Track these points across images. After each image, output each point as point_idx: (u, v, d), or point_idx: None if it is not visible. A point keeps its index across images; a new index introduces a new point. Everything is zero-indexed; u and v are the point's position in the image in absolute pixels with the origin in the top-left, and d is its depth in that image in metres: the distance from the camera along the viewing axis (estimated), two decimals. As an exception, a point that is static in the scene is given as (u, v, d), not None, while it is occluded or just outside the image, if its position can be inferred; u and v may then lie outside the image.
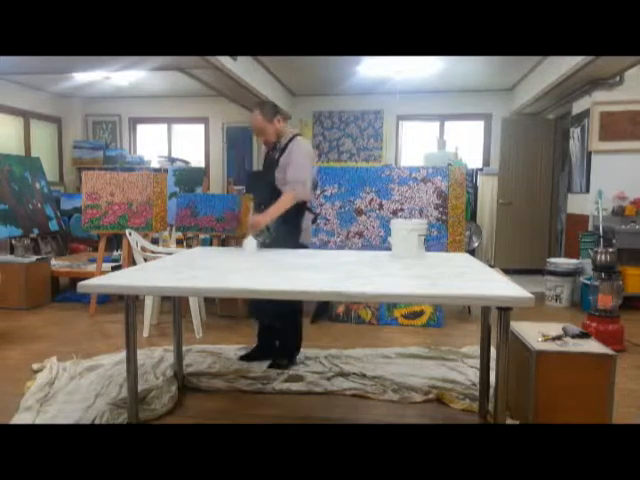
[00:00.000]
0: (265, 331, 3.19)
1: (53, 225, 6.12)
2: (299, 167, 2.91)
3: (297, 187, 2.89)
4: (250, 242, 2.84)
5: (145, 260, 3.52)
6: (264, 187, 2.98)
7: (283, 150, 2.97)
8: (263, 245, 2.87)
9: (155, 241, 4.87)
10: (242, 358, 3.17)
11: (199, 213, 4.45)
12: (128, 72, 5.69)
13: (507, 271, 4.63)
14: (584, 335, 2.39)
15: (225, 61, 4.57)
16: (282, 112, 2.96)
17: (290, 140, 2.99)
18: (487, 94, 6.92)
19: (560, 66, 4.80)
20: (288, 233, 2.92)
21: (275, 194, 2.90)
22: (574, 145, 5.59)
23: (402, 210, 4.28)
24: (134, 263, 3.73)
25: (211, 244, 4.66)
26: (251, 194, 3.16)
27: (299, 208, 2.96)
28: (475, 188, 6.65)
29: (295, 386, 2.80)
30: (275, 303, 2.45)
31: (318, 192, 4.42)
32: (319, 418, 2.48)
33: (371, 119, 7.23)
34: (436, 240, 4.19)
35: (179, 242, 5.39)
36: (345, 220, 4.32)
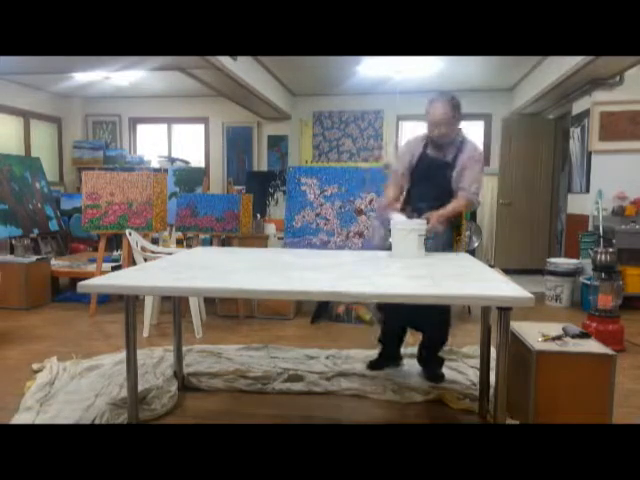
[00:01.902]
0: (389, 337, 3.03)
1: (53, 225, 6.12)
2: (479, 177, 2.74)
3: (475, 197, 2.72)
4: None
5: (145, 260, 3.52)
6: (436, 191, 2.74)
7: (459, 149, 2.74)
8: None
9: (155, 241, 4.87)
10: (371, 367, 2.99)
11: (199, 213, 4.45)
12: (128, 72, 5.69)
13: (507, 271, 4.62)
14: (584, 335, 2.39)
15: (225, 61, 4.57)
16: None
17: (462, 140, 2.78)
18: (487, 94, 6.92)
19: (560, 66, 4.80)
20: (448, 238, 2.78)
21: (448, 198, 2.71)
22: (574, 145, 5.59)
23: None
24: (134, 263, 3.73)
25: (211, 244, 4.65)
26: (412, 190, 2.85)
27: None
28: (475, 188, 6.64)
29: (295, 386, 2.80)
30: (425, 308, 2.31)
31: (319, 192, 4.42)
32: (319, 418, 2.48)
33: (371, 119, 7.22)
34: (436, 240, 4.18)
35: (179, 242, 5.39)
36: (345, 220, 4.32)
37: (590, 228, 5.06)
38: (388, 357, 3.05)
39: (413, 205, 2.80)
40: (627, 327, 3.55)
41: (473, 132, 7.15)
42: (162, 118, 7.73)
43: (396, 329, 3.01)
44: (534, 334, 2.40)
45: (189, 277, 2.09)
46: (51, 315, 4.37)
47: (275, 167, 7.34)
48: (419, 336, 3.05)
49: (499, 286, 1.94)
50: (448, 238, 2.82)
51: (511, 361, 1.99)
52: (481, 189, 2.78)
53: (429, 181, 2.78)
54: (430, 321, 2.78)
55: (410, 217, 2.67)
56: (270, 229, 5.24)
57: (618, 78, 4.86)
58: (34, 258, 4.77)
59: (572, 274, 4.83)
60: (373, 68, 5.70)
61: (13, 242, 5.17)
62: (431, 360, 2.95)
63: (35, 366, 3.06)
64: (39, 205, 6.01)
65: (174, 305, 2.81)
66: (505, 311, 1.87)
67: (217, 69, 4.61)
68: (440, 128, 2.70)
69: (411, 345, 3.53)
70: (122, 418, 2.37)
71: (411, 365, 3.09)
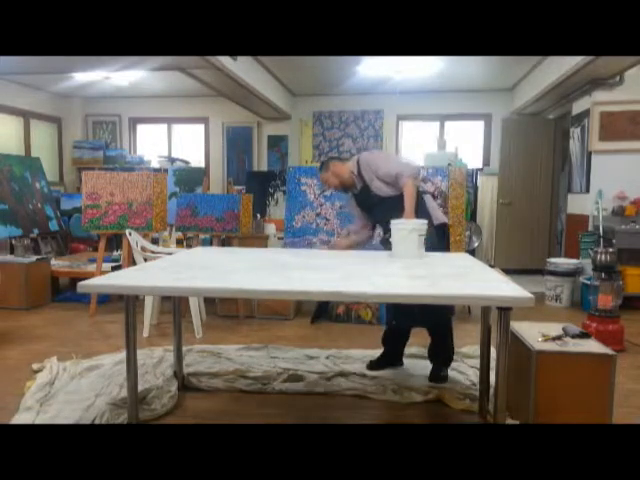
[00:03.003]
0: (394, 337, 3.05)
1: (53, 225, 6.12)
2: (387, 162, 2.95)
3: (405, 172, 2.86)
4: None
5: (145, 260, 3.52)
6: (380, 209, 2.94)
7: (359, 176, 2.97)
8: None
9: (155, 241, 4.87)
10: (371, 367, 3.01)
11: (199, 213, 4.45)
12: (128, 72, 5.69)
13: (507, 271, 4.62)
14: (584, 335, 2.39)
15: (225, 61, 4.57)
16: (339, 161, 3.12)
17: (357, 163, 3.00)
18: (487, 94, 6.92)
19: (560, 66, 4.80)
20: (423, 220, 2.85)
21: (394, 204, 2.84)
22: (574, 145, 5.59)
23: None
24: (134, 263, 3.73)
25: (211, 244, 4.66)
26: (378, 222, 3.09)
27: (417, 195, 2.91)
28: (475, 188, 6.65)
29: (295, 386, 2.80)
30: (426, 308, 2.40)
31: (318, 192, 4.42)
32: (319, 418, 2.48)
33: (371, 119, 7.22)
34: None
35: (179, 242, 5.39)
36: (345, 220, 4.32)
37: (590, 228, 5.06)
38: (390, 358, 3.05)
39: (383, 229, 3.02)
40: (627, 327, 3.55)
41: (473, 132, 7.17)
42: (162, 118, 7.73)
43: (402, 329, 3.01)
44: (534, 334, 2.40)
45: (189, 277, 2.09)
46: (51, 315, 4.37)
47: (275, 167, 7.34)
48: (418, 336, 3.05)
49: (499, 286, 1.94)
50: (433, 242, 2.82)
51: (511, 361, 1.99)
52: (403, 163, 3.00)
53: (372, 206, 3.02)
54: (431, 318, 2.80)
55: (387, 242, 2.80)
56: (270, 229, 5.24)
57: (618, 78, 4.86)
58: (34, 258, 4.77)
59: (572, 274, 4.83)
60: (373, 68, 5.70)
61: (13, 242, 5.17)
62: (438, 355, 2.94)
63: (35, 366, 3.06)
64: (39, 205, 6.01)
65: (174, 305, 2.81)
66: (505, 311, 1.87)
67: (217, 69, 4.61)
68: (328, 185, 3.10)
69: (412, 345, 3.53)
70: (122, 418, 2.37)
71: (411, 365, 3.09)
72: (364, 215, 3.13)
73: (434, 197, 3.22)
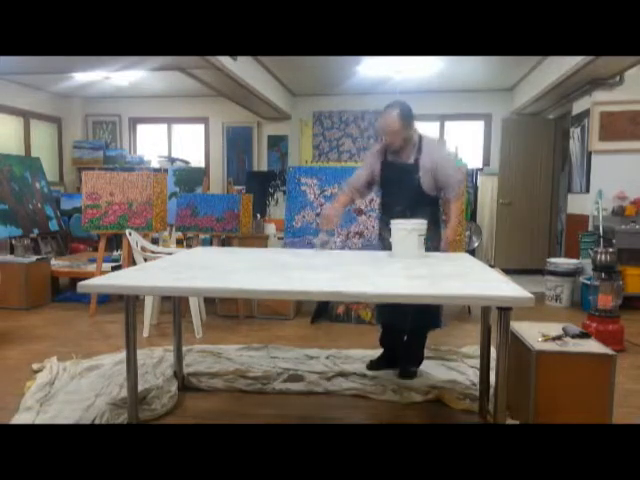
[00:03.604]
0: (390, 338, 3.05)
1: (53, 225, 6.12)
2: (452, 167, 2.86)
3: (458, 184, 2.82)
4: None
5: (145, 260, 3.52)
6: (408, 193, 2.79)
7: (418, 150, 2.81)
8: None
9: (155, 241, 4.87)
10: (370, 367, 3.01)
11: (199, 213, 4.45)
12: (128, 72, 5.69)
13: (507, 271, 4.62)
14: (584, 335, 2.39)
15: (225, 61, 4.57)
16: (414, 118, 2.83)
17: (420, 140, 2.84)
18: (487, 94, 6.92)
19: (560, 66, 4.80)
20: (434, 237, 2.82)
21: (423, 199, 2.79)
22: (574, 145, 5.59)
23: (402, 210, 4.28)
24: (134, 263, 3.73)
25: (211, 244, 4.65)
26: (388, 199, 2.93)
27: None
28: (475, 188, 6.65)
29: (295, 386, 2.80)
30: (409, 307, 2.42)
31: (319, 192, 4.42)
32: (319, 418, 2.48)
33: (371, 119, 7.22)
34: (436, 240, 4.18)
35: (179, 242, 5.39)
36: (345, 220, 4.32)
37: (590, 228, 5.06)
38: (388, 359, 3.05)
39: (389, 211, 2.85)
40: (627, 327, 3.55)
41: (473, 132, 7.17)
42: (162, 118, 7.73)
43: (396, 331, 3.00)
44: (534, 334, 2.40)
45: (189, 277, 2.09)
46: (51, 315, 4.37)
47: (275, 167, 7.34)
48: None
49: (499, 286, 1.94)
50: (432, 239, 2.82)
51: (511, 361, 1.99)
52: (457, 175, 2.88)
53: (398, 185, 2.84)
54: (419, 327, 2.88)
55: (387, 225, 2.72)
56: (270, 229, 5.24)
57: (618, 78, 4.86)
58: (34, 258, 4.77)
59: (572, 274, 4.83)
60: (373, 68, 5.70)
61: (13, 242, 5.17)
62: (411, 355, 2.99)
63: (35, 366, 3.06)
64: (39, 205, 6.01)
65: (174, 305, 2.81)
66: (505, 311, 1.87)
67: (217, 69, 4.61)
68: (392, 136, 2.78)
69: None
70: (122, 418, 2.37)
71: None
72: (368, 186, 2.99)
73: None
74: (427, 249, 2.64)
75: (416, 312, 2.64)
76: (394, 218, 2.66)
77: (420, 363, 2.99)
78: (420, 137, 2.85)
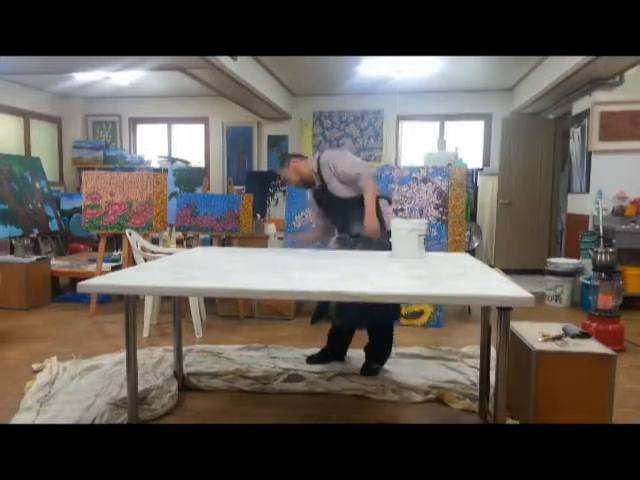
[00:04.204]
0: (340, 333, 3.10)
1: (53, 225, 6.12)
2: (346, 162, 2.97)
3: (364, 173, 2.92)
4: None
5: (145, 260, 3.52)
6: (335, 207, 3.00)
7: (319, 170, 3.00)
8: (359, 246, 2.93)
9: (155, 241, 4.87)
10: (310, 360, 3.09)
11: (199, 213, 4.45)
12: (128, 72, 5.69)
13: (507, 271, 4.63)
14: (584, 335, 2.39)
15: (225, 61, 4.57)
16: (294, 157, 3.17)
17: (317, 161, 3.02)
18: (487, 94, 6.92)
19: (560, 66, 4.80)
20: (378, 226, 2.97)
21: (350, 202, 2.93)
22: (574, 145, 5.59)
23: (402, 210, 4.28)
24: (134, 263, 3.73)
25: (211, 244, 4.65)
26: (330, 223, 3.14)
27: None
28: (475, 188, 6.65)
29: (295, 386, 2.80)
30: (371, 311, 2.47)
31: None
32: (319, 418, 2.48)
33: (371, 119, 7.22)
34: (436, 240, 4.19)
35: (179, 242, 5.39)
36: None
37: (590, 228, 5.06)
38: (332, 353, 3.12)
39: (338, 230, 3.06)
40: (627, 327, 3.55)
41: (473, 132, 7.17)
42: (162, 118, 7.73)
43: (346, 329, 3.07)
44: (534, 334, 2.40)
45: (189, 277, 2.09)
46: (51, 315, 4.37)
47: (275, 167, 7.33)
48: (418, 336, 3.06)
49: (499, 286, 1.94)
50: (385, 246, 2.85)
51: (511, 361, 1.99)
52: (362, 164, 3.08)
53: (328, 206, 3.06)
54: (378, 324, 2.90)
55: (346, 240, 2.98)
56: (270, 229, 5.24)
57: (618, 78, 4.86)
58: (34, 258, 4.77)
59: (572, 274, 4.83)
60: (373, 68, 5.70)
61: (13, 242, 5.17)
62: (375, 352, 3.02)
63: (35, 366, 3.06)
64: (39, 205, 6.01)
65: (174, 305, 2.81)
66: (505, 311, 1.87)
67: (217, 69, 4.61)
68: (289, 181, 3.13)
69: (413, 345, 3.53)
70: (122, 418, 2.37)
71: (411, 365, 3.09)
72: (322, 214, 3.16)
73: (389, 202, 3.27)
74: (385, 245, 2.79)
75: (376, 310, 2.62)
76: (341, 232, 3.00)
77: (384, 361, 3.02)
78: (317, 159, 3.03)
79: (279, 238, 5.12)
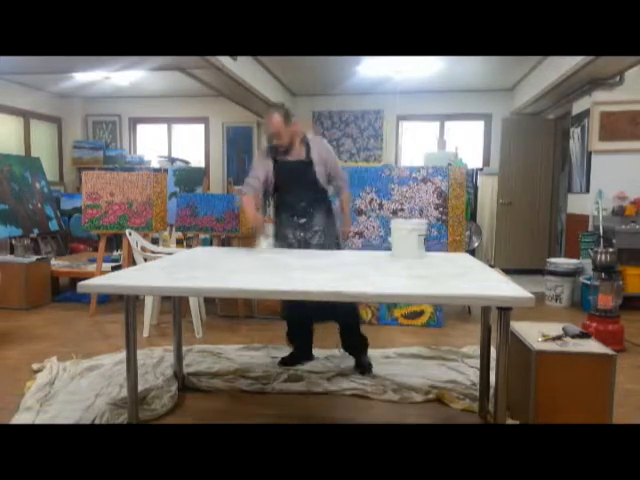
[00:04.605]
0: (299, 332, 3.13)
1: (53, 225, 6.12)
2: (338, 165, 3.07)
3: (345, 178, 3.10)
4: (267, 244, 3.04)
5: (145, 260, 3.52)
6: (307, 188, 2.96)
7: (307, 146, 2.95)
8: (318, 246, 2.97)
9: (155, 241, 4.87)
10: (283, 363, 3.08)
11: (199, 213, 4.45)
12: (128, 72, 5.69)
13: (507, 271, 4.63)
14: (584, 335, 2.39)
15: (225, 61, 4.57)
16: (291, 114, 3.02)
17: (305, 138, 2.98)
18: (487, 94, 6.92)
19: (560, 66, 4.80)
20: (334, 230, 3.09)
21: (320, 193, 2.99)
22: (574, 145, 5.59)
23: (402, 210, 4.28)
24: (134, 263, 3.73)
25: (211, 244, 4.65)
26: (289, 197, 3.04)
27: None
28: (475, 188, 6.65)
29: (295, 386, 2.80)
30: (320, 303, 2.42)
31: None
32: (319, 418, 2.48)
33: (371, 119, 7.22)
34: (436, 240, 4.19)
35: (179, 242, 5.39)
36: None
37: (590, 228, 5.06)
38: (301, 354, 3.13)
39: (292, 209, 3.00)
40: (627, 327, 3.55)
41: (473, 132, 7.17)
42: (162, 118, 7.73)
43: (301, 325, 3.09)
44: (534, 334, 2.40)
45: (189, 277, 2.10)
46: (51, 315, 4.37)
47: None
48: (418, 336, 3.06)
49: (499, 286, 1.94)
50: (333, 231, 3.06)
51: (511, 361, 1.99)
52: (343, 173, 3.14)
53: (297, 182, 2.96)
54: (337, 309, 2.82)
55: (290, 223, 2.99)
56: (270, 229, 5.23)
57: (618, 78, 4.86)
58: (34, 258, 4.77)
59: (572, 274, 4.83)
60: (373, 68, 5.70)
61: (13, 242, 5.17)
62: (356, 345, 3.04)
63: (35, 366, 3.06)
64: (39, 205, 6.01)
65: (174, 305, 2.81)
66: (505, 311, 1.87)
67: (217, 69, 4.61)
68: (279, 136, 2.90)
69: (413, 345, 3.53)
70: (122, 418, 2.37)
71: (411, 365, 3.09)
72: (270, 181, 3.03)
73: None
74: (326, 245, 2.92)
75: (331, 305, 2.56)
76: (298, 216, 2.96)
77: (366, 350, 3.04)
78: (305, 136, 3.01)
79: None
